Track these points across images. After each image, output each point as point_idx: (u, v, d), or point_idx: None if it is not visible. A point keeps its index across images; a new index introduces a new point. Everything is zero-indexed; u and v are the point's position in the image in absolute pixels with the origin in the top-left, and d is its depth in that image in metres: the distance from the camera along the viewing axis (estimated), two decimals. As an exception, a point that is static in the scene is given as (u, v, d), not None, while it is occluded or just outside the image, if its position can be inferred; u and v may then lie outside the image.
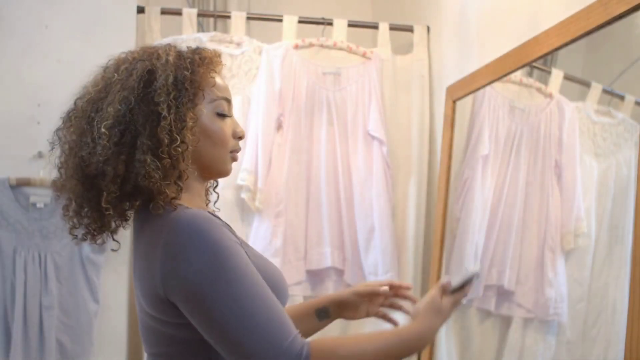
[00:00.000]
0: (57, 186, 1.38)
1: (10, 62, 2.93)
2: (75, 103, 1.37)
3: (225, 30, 3.42)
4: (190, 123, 1.31)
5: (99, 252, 2.90)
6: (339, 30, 3.25)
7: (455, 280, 1.47)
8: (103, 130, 1.26)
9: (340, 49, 3.23)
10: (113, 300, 3.01)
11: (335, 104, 3.16)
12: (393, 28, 3.34)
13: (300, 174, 3.11)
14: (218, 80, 1.42)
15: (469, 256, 2.68)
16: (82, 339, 2.91)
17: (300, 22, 3.25)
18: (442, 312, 1.42)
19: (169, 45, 1.40)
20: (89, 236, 1.38)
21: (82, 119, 1.32)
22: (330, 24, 3.25)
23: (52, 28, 2.97)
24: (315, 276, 3.14)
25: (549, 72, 2.39)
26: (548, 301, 2.33)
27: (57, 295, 2.87)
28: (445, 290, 1.45)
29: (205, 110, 1.37)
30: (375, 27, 3.34)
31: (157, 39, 3.08)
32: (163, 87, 1.28)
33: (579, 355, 2.20)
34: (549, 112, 2.37)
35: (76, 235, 1.39)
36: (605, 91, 2.17)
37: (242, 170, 3.00)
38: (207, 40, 3.09)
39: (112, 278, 2.99)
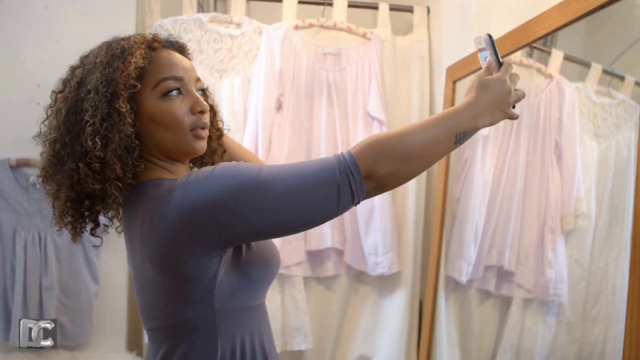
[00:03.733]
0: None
1: (10, 43, 2.92)
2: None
3: (225, 10, 3.40)
4: (121, 119, 1.28)
5: (99, 233, 2.89)
6: (339, 11, 3.24)
7: (487, 55, 1.47)
8: (47, 146, 1.34)
9: (341, 29, 3.21)
10: (113, 281, 3.02)
11: (335, 84, 3.15)
12: (393, 9, 3.32)
13: (300, 154, 3.11)
14: (150, 62, 1.36)
15: (469, 237, 2.69)
16: (82, 319, 2.92)
17: (300, 2, 3.23)
18: (489, 86, 1.43)
19: (105, 43, 1.38)
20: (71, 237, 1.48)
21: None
22: (331, 4, 3.24)
23: (52, 9, 2.96)
24: (315, 257, 3.15)
25: (549, 53, 2.38)
26: (548, 282, 2.34)
27: (57, 276, 2.88)
28: (490, 69, 1.47)
29: (149, 99, 1.33)
30: (375, 7, 3.33)
31: (157, 20, 3.07)
32: (89, 93, 1.29)
33: (579, 336, 2.21)
34: (549, 92, 2.37)
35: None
36: (605, 72, 2.17)
37: (242, 151, 2.99)
38: (207, 21, 3.08)
39: (112, 259, 2.99)
